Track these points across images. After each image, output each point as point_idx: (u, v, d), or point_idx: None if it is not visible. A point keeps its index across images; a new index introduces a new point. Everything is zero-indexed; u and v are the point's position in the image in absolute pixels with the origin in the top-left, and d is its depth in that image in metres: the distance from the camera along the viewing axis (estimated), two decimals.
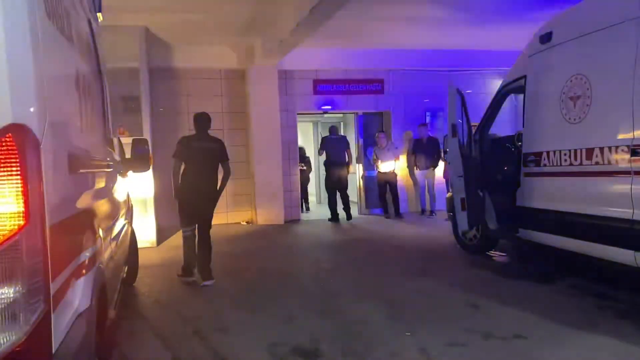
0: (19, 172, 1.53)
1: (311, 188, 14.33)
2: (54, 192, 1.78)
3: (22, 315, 1.53)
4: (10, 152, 1.53)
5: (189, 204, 5.71)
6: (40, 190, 1.61)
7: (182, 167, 5.72)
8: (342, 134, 11.96)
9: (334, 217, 10.19)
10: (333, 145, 10.20)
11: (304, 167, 11.89)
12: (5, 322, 1.52)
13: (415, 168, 10.52)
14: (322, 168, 10.97)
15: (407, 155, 10.87)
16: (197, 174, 5.64)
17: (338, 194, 10.19)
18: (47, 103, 1.75)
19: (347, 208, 10.18)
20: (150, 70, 8.37)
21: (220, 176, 5.83)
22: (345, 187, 10.20)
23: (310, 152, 13.44)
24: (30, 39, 1.66)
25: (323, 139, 10.80)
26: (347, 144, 10.40)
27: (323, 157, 10.57)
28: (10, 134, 1.53)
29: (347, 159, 10.19)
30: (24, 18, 1.64)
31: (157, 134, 8.27)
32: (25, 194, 1.54)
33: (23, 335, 1.53)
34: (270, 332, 4.09)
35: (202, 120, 5.86)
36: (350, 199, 10.34)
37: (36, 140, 1.61)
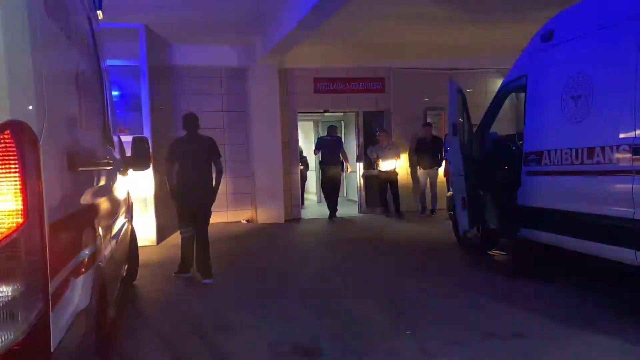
0: (17, 170, 1.52)
1: (311, 187, 14.35)
2: (53, 189, 1.77)
3: (21, 313, 1.52)
4: (8, 149, 1.52)
5: (186, 204, 5.75)
6: (38, 188, 1.60)
7: (176, 168, 5.76)
8: (341, 133, 12.28)
9: (333, 212, 10.45)
10: (327, 146, 10.55)
11: (301, 167, 11.94)
12: (4, 321, 1.50)
13: (418, 167, 10.50)
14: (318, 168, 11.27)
15: (409, 155, 10.86)
16: (190, 174, 5.68)
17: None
18: (46, 100, 1.74)
19: (333, 206, 10.49)
20: (151, 68, 8.35)
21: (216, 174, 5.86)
22: (338, 186, 10.62)
23: (311, 151, 13.47)
24: (29, 36, 1.65)
25: (318, 139, 11.22)
26: (341, 145, 10.75)
27: (319, 157, 10.90)
28: (8, 131, 1.52)
29: (340, 159, 10.54)
30: (23, 15, 1.63)
31: (157, 133, 8.25)
32: (24, 191, 1.53)
33: (21, 334, 1.52)
34: (271, 331, 4.08)
35: (190, 120, 5.89)
36: (351, 198, 10.42)
37: (35, 138, 1.60)
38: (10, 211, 1.52)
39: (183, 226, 5.84)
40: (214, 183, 5.81)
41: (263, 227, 9.57)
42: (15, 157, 1.52)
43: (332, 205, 10.44)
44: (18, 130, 1.55)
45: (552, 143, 5.17)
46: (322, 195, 11.41)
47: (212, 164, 5.82)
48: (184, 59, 9.70)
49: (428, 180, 10.37)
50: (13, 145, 1.53)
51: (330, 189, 10.53)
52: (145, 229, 7.77)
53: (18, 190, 1.53)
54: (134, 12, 7.48)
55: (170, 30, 8.75)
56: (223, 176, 9.92)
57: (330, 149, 10.50)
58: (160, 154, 7.46)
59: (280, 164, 10.13)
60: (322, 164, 10.66)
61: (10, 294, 1.51)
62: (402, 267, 6.23)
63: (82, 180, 2.45)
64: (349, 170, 11.01)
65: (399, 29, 9.12)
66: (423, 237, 8.09)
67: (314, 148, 11.28)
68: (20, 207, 1.53)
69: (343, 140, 13.01)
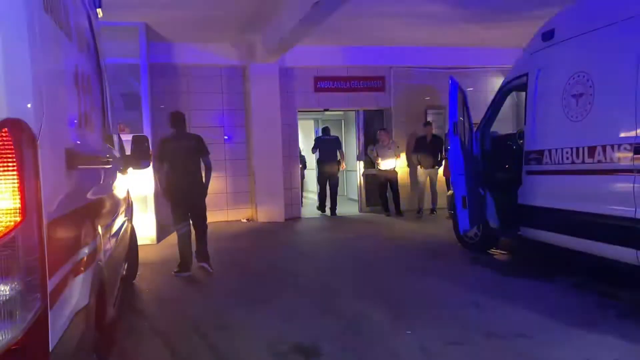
0: (15, 168, 1.52)
1: (312, 186, 14.34)
2: (51, 188, 1.76)
3: (19, 312, 1.52)
4: (6, 147, 1.51)
5: (179, 201, 5.84)
6: (36, 186, 1.59)
7: (166, 167, 5.85)
8: (341, 132, 12.66)
9: (322, 207, 10.98)
10: (325, 145, 10.93)
11: (299, 165, 12.00)
12: (2, 320, 1.50)
13: (419, 167, 10.45)
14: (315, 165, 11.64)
15: (407, 154, 10.83)
16: (180, 172, 5.77)
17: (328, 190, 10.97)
18: (44, 98, 1.73)
19: (333, 204, 10.90)
20: (151, 66, 8.34)
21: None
22: (336, 183, 10.98)
23: (308, 150, 13.50)
24: (27, 34, 1.64)
25: (316, 139, 11.53)
26: (339, 144, 11.15)
27: (316, 155, 11.22)
28: (6, 129, 1.51)
29: (338, 158, 10.90)
30: (21, 12, 1.62)
31: (157, 131, 8.25)
32: (22, 190, 1.52)
33: (20, 333, 1.51)
34: (271, 330, 4.08)
35: (177, 118, 5.98)
36: (352, 197, 10.48)
37: (33, 136, 1.59)
38: (8, 209, 1.51)
39: (179, 223, 5.91)
40: (204, 179, 5.92)
41: (263, 226, 9.56)
42: (13, 155, 1.52)
43: (323, 198, 10.96)
44: (16, 128, 1.54)
45: (553, 142, 5.17)
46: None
47: (201, 161, 5.92)
48: (184, 57, 9.69)
49: (428, 179, 10.33)
50: (11, 143, 1.52)
51: (327, 185, 10.87)
52: (146, 227, 7.77)
53: (16, 189, 1.52)
54: (134, 10, 7.47)
55: (170, 29, 8.74)
56: (223, 175, 10.05)
57: (328, 148, 10.87)
58: None
59: (281, 163, 10.12)
60: (319, 162, 11.02)
61: (8, 292, 1.50)
62: (402, 266, 6.22)
63: (81, 179, 2.44)
64: (343, 167, 11.28)
65: (400, 28, 9.12)
66: (423, 236, 8.08)
67: (312, 147, 11.37)
68: (18, 205, 1.52)
69: (343, 139, 13.06)
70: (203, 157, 5.89)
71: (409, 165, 10.87)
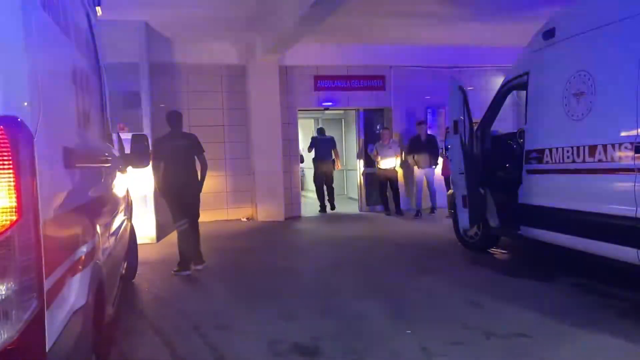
0: (11, 166, 1.51)
1: (311, 185, 14.32)
2: (48, 186, 1.75)
3: (15, 312, 1.51)
4: (2, 145, 1.50)
5: (176, 200, 5.90)
6: (33, 185, 1.58)
7: (162, 165, 5.91)
8: (341, 131, 12.87)
9: (323, 208, 11.09)
10: (321, 145, 11.20)
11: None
12: None
13: (416, 167, 10.37)
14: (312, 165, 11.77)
15: (405, 154, 10.78)
16: (176, 171, 5.85)
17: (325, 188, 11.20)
18: (41, 96, 1.72)
19: (331, 200, 11.10)
20: (151, 65, 8.32)
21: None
22: (332, 181, 11.20)
23: (306, 149, 13.48)
24: (24, 31, 1.63)
25: (312, 138, 11.76)
26: (334, 143, 11.33)
27: (312, 154, 11.41)
28: (2, 127, 1.50)
29: (333, 157, 11.15)
30: (18, 9, 1.61)
31: (157, 130, 8.22)
32: (18, 188, 1.51)
33: (16, 333, 1.50)
34: (270, 329, 4.06)
35: (173, 118, 6.07)
36: (352, 196, 10.50)
37: (29, 134, 1.58)
38: (4, 208, 1.50)
39: (178, 220, 5.95)
40: (199, 177, 6.01)
41: (263, 225, 9.55)
42: (9, 153, 1.51)
43: (323, 198, 11.12)
44: (12, 126, 1.53)
45: (554, 141, 5.15)
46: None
47: (197, 160, 6.01)
48: (184, 56, 9.68)
49: (425, 179, 10.27)
50: (7, 141, 1.51)
51: (323, 183, 11.09)
52: (145, 226, 7.75)
53: (12, 187, 1.51)
54: (134, 9, 7.45)
55: (170, 28, 8.73)
56: (223, 174, 10.02)
57: (323, 147, 11.11)
58: None
59: (280, 162, 10.12)
60: (315, 161, 11.17)
61: (4, 292, 1.49)
62: (402, 265, 6.21)
63: (79, 177, 2.43)
64: (339, 167, 11.46)
65: (400, 26, 9.11)
66: (423, 236, 8.07)
67: (307, 147, 11.47)
68: (14, 204, 1.51)
69: (343, 138, 13.05)
70: (198, 156, 5.98)
71: (401, 166, 10.79)
